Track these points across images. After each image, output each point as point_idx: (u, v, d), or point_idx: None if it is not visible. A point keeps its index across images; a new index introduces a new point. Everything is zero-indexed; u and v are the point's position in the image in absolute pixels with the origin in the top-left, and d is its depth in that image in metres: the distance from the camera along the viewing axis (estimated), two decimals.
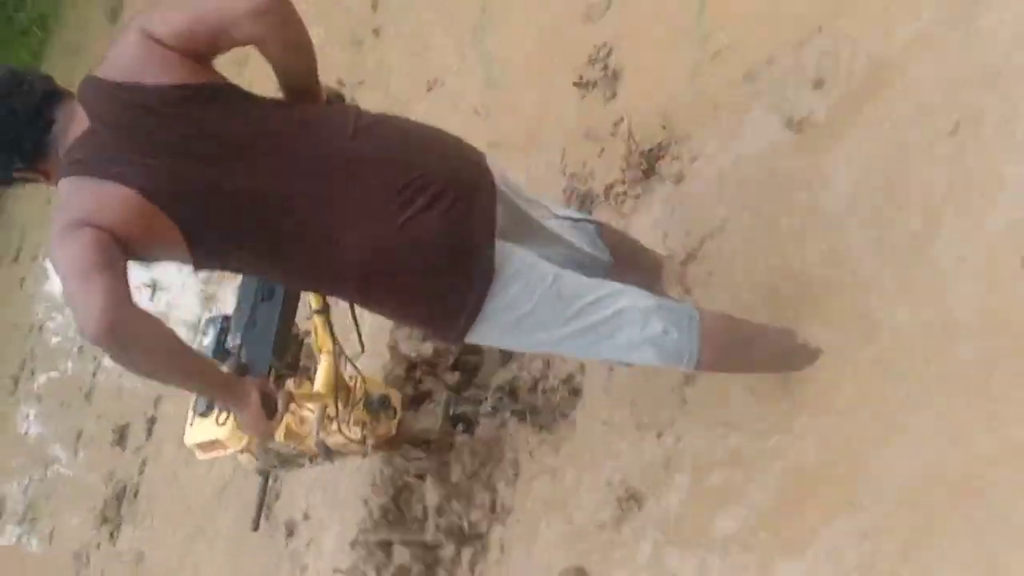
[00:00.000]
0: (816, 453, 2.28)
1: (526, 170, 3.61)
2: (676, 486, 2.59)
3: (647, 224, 3.01)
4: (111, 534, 5.88)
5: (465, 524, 3.20)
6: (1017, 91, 2.15)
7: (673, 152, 3.01)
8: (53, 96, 2.11)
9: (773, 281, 2.54)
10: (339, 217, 2.04)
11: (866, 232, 2.36)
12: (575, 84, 3.48)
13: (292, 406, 2.62)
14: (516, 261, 2.14)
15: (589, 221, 2.49)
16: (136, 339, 1.91)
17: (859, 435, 2.20)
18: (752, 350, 2.37)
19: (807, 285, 2.44)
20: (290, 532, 4.09)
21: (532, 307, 2.13)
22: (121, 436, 6.10)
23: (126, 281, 1.93)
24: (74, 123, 2.07)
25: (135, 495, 5.78)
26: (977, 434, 2.00)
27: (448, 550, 3.22)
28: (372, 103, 4.70)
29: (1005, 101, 2.17)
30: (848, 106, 2.53)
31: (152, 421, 5.83)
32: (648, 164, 3.05)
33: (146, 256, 2.05)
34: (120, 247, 1.94)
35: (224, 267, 2.21)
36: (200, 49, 2.04)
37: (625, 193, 3.15)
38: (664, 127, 3.05)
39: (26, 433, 8.31)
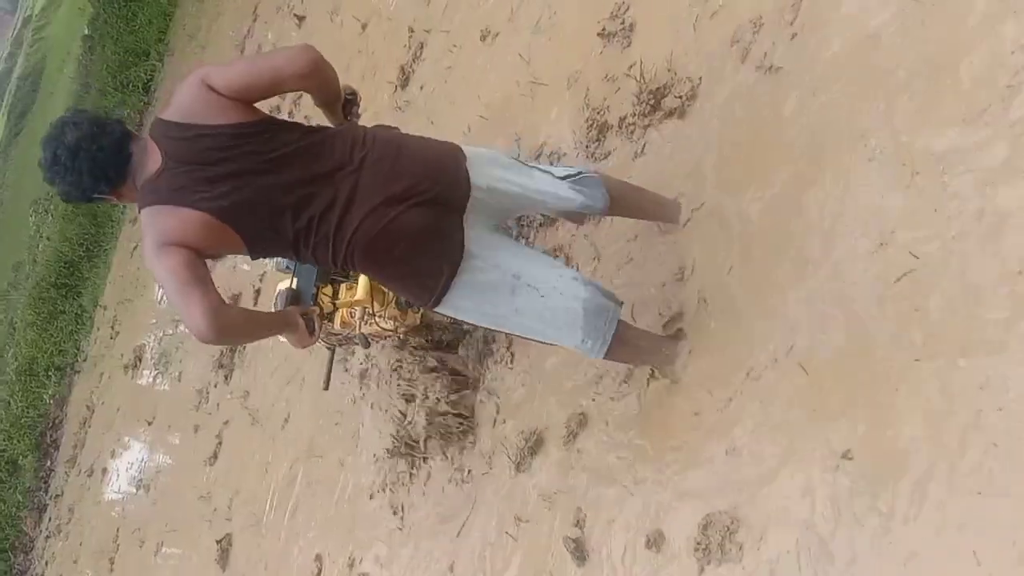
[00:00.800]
0: None
1: (557, 105, 3.55)
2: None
3: (655, 150, 2.96)
4: (225, 377, 6.01)
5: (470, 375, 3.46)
6: None
7: (676, 91, 2.92)
8: (128, 136, 2.15)
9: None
10: (347, 213, 2.13)
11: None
12: (598, 35, 3.37)
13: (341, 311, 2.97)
14: (484, 253, 2.23)
15: (590, 175, 2.45)
16: (233, 334, 2.17)
17: None
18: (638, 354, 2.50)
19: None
20: (363, 379, 4.16)
21: (488, 290, 2.23)
22: (235, 302, 6.18)
23: (214, 288, 2.05)
24: (147, 156, 2.12)
25: (244, 347, 5.88)
26: None
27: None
28: (437, 48, 4.69)
29: None
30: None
31: (258, 292, 5.91)
32: (656, 100, 2.97)
33: (215, 257, 2.19)
34: (203, 259, 2.07)
35: (273, 255, 2.33)
36: (253, 98, 2.13)
37: (635, 124, 3.08)
38: (669, 70, 2.97)
39: (160, 298, 8.44)
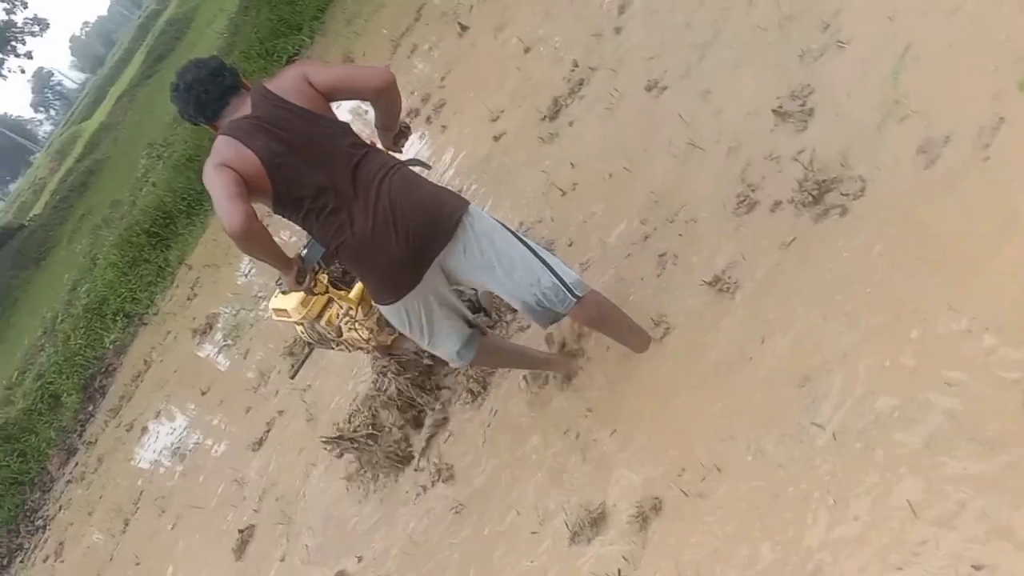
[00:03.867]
0: None
1: (708, 172, 3.58)
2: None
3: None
4: (291, 366, 6.12)
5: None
6: None
7: (843, 188, 2.93)
8: (234, 89, 2.95)
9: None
10: (351, 223, 2.87)
11: None
12: (773, 111, 3.41)
13: (328, 297, 3.51)
14: (421, 304, 3.05)
15: (571, 293, 3.01)
16: (252, 239, 2.72)
17: None
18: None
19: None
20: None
21: (411, 324, 3.11)
22: None
23: (249, 203, 2.72)
24: (240, 107, 2.91)
25: (314, 341, 5.99)
26: None
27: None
28: (599, 88, 4.78)
29: None
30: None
31: None
32: (819, 192, 2.98)
33: (255, 197, 2.82)
34: (246, 184, 2.74)
35: (290, 219, 2.95)
36: (336, 98, 2.95)
37: (789, 211, 3.08)
38: (842, 165, 2.98)
39: (247, 271, 8.73)
